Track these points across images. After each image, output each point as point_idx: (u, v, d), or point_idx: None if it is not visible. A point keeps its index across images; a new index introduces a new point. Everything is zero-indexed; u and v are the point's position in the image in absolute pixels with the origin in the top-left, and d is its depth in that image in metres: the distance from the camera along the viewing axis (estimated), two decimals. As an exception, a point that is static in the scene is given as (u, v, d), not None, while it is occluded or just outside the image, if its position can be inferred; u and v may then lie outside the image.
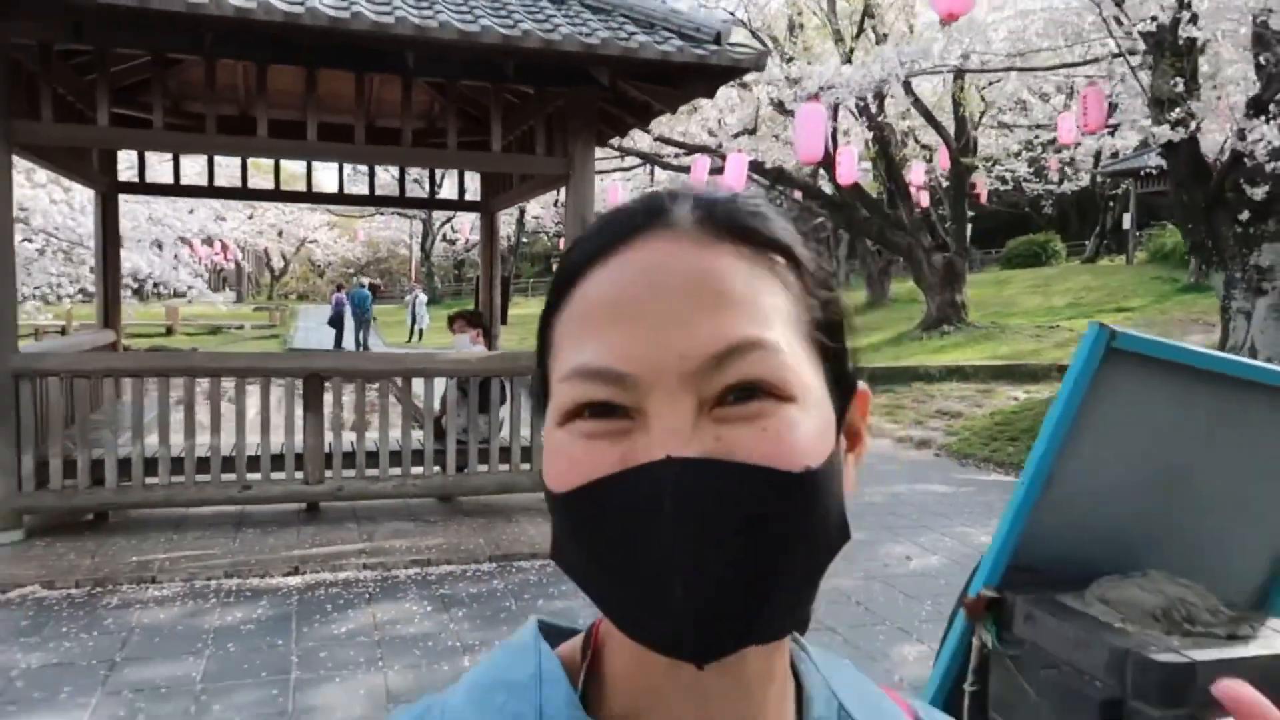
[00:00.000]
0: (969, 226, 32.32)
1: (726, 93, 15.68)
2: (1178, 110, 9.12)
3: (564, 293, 0.50)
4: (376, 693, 3.89)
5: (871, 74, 10.46)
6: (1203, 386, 1.88)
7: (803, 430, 0.47)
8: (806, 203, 17.77)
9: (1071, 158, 22.99)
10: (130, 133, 6.85)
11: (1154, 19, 8.97)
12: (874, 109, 17.17)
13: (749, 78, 13.99)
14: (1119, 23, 9.37)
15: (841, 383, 0.52)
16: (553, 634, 0.57)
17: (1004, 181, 25.11)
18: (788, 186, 16.79)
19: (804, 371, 0.48)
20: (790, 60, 15.39)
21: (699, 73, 6.08)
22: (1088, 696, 1.70)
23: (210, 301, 22.67)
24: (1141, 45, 9.76)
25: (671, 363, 0.45)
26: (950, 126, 17.76)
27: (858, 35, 15.60)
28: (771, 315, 0.48)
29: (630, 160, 17.41)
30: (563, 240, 34.76)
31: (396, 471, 6.31)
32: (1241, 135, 8.73)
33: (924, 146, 20.47)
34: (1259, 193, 9.31)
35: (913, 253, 17.74)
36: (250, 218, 37.29)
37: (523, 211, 31.50)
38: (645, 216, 0.49)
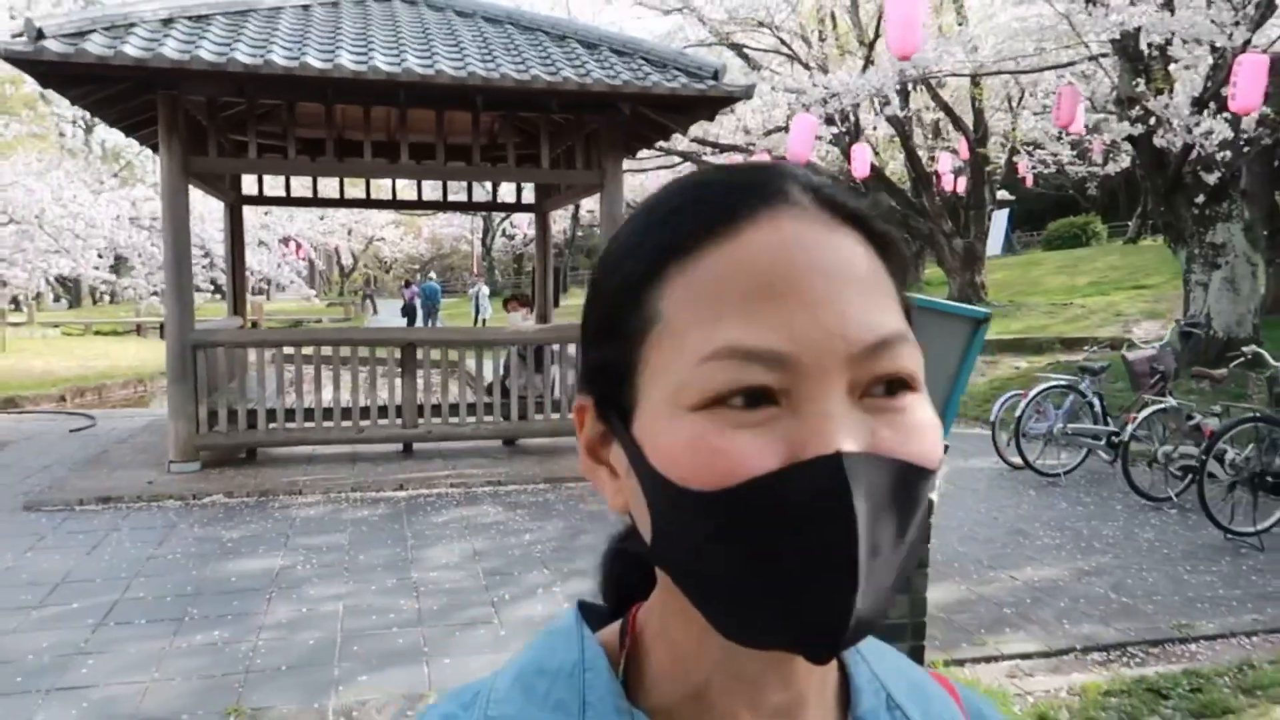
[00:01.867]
0: (1009, 210, 33.25)
1: (758, 98, 17.26)
2: (1137, 108, 10.48)
3: (663, 265, 0.47)
4: (466, 551, 5.67)
5: (870, 82, 11.95)
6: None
7: (934, 423, 0.47)
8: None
9: (1114, 140, 23.90)
10: (272, 161, 8.76)
11: (1120, 26, 10.31)
12: (898, 104, 18.56)
13: (772, 84, 15.57)
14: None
15: None
16: (593, 615, 0.57)
17: (1046, 165, 26.10)
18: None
19: (922, 360, 0.48)
20: (810, 67, 16.90)
21: (701, 103, 7.76)
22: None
23: (287, 298, 24.94)
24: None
25: (833, 345, 0.44)
26: (969, 119, 19.01)
27: (873, 43, 17.01)
28: (895, 302, 0.48)
29: (673, 159, 19.05)
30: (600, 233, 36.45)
31: (472, 419, 8.13)
32: (1189, 130, 10.05)
33: (955, 136, 21.66)
34: (1212, 179, 10.61)
35: (934, 238, 19.09)
36: (321, 218, 39.64)
37: (578, 208, 33.36)
38: (761, 191, 0.47)
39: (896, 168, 23.61)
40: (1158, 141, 10.31)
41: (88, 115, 10.65)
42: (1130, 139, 10.81)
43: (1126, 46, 10.71)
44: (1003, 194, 32.16)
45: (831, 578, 0.43)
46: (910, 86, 17.43)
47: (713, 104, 7.89)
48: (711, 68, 7.68)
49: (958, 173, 20.29)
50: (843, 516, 0.42)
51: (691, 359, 0.45)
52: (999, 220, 32.90)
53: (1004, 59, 12.78)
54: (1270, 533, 5.97)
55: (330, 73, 6.71)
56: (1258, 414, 6.16)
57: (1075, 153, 26.82)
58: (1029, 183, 24.79)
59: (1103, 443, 7.68)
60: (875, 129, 20.33)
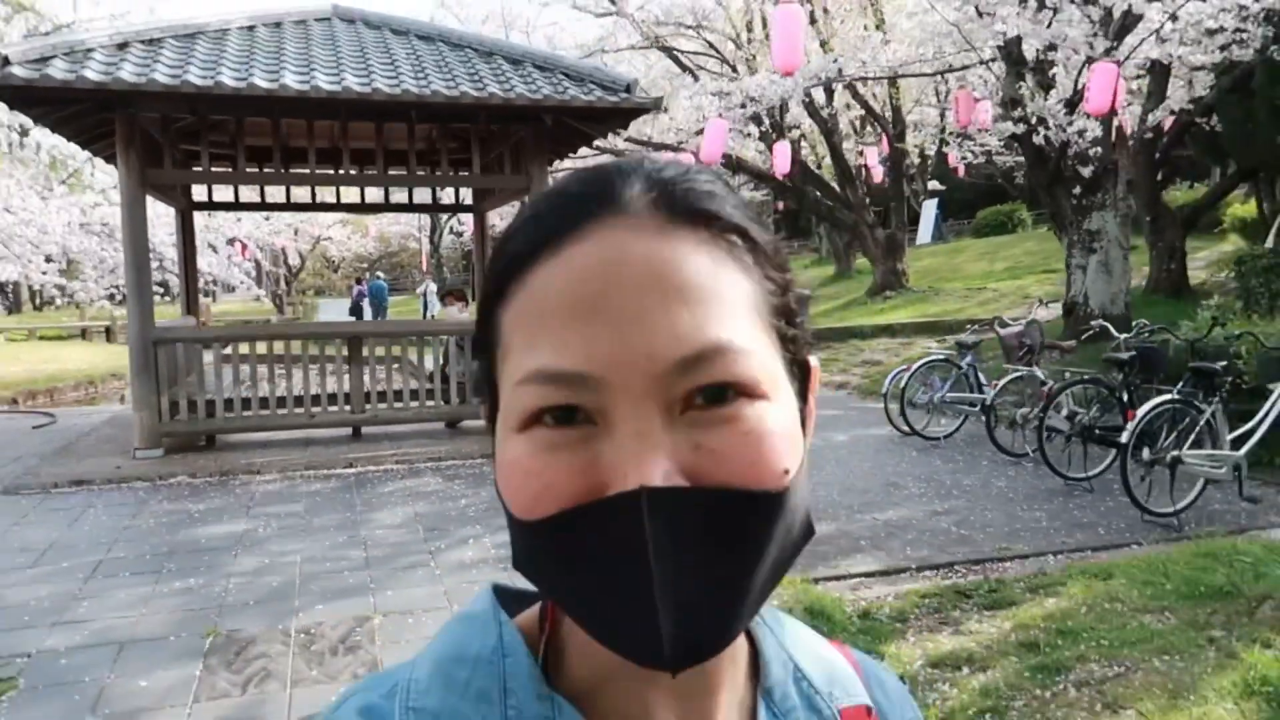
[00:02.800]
0: (939, 199, 34.58)
1: (688, 98, 18.20)
2: (1018, 110, 11.57)
3: (508, 282, 0.48)
4: (408, 514, 6.48)
5: (783, 86, 12.91)
6: None
7: (780, 428, 0.46)
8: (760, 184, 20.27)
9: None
10: (222, 172, 9.42)
11: (1003, 35, 11.36)
12: (824, 101, 19.64)
13: (701, 87, 16.48)
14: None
15: (798, 364, 0.51)
16: (509, 598, 0.56)
17: (975, 155, 27.42)
18: (744, 174, 19.27)
19: (770, 365, 0.47)
20: (736, 69, 17.85)
21: (615, 114, 8.63)
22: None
23: (235, 299, 25.34)
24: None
25: (638, 364, 0.43)
26: (889, 115, 20.14)
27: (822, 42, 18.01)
28: (737, 307, 0.46)
29: (608, 157, 19.90)
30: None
31: (415, 404, 8.92)
32: (1062, 129, 11.16)
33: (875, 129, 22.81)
34: (1088, 171, 11.75)
35: (859, 229, 20.20)
36: (267, 218, 39.82)
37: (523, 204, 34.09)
38: (596, 201, 0.47)
39: (828, 163, 24.76)
40: (1036, 140, 11.40)
41: (23, 121, 11.13)
42: (1014, 137, 11.90)
43: (1011, 52, 11.78)
44: (934, 184, 33.59)
45: (650, 608, 0.43)
46: (833, 85, 18.50)
47: (626, 114, 8.77)
48: (624, 82, 8.55)
49: (885, 164, 21.44)
50: (639, 554, 0.42)
51: (513, 380, 0.46)
52: (929, 209, 34.31)
53: (909, 62, 13.82)
54: (1101, 477, 7.01)
55: (276, 92, 7.44)
56: (1085, 376, 7.21)
57: (1002, 143, 28.28)
58: (960, 172, 26.08)
59: (976, 409, 8.71)
60: (805, 126, 21.43)
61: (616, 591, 0.44)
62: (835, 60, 13.07)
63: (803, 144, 22.07)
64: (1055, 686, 3.59)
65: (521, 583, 0.54)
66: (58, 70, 7.10)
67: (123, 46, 7.73)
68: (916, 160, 26.92)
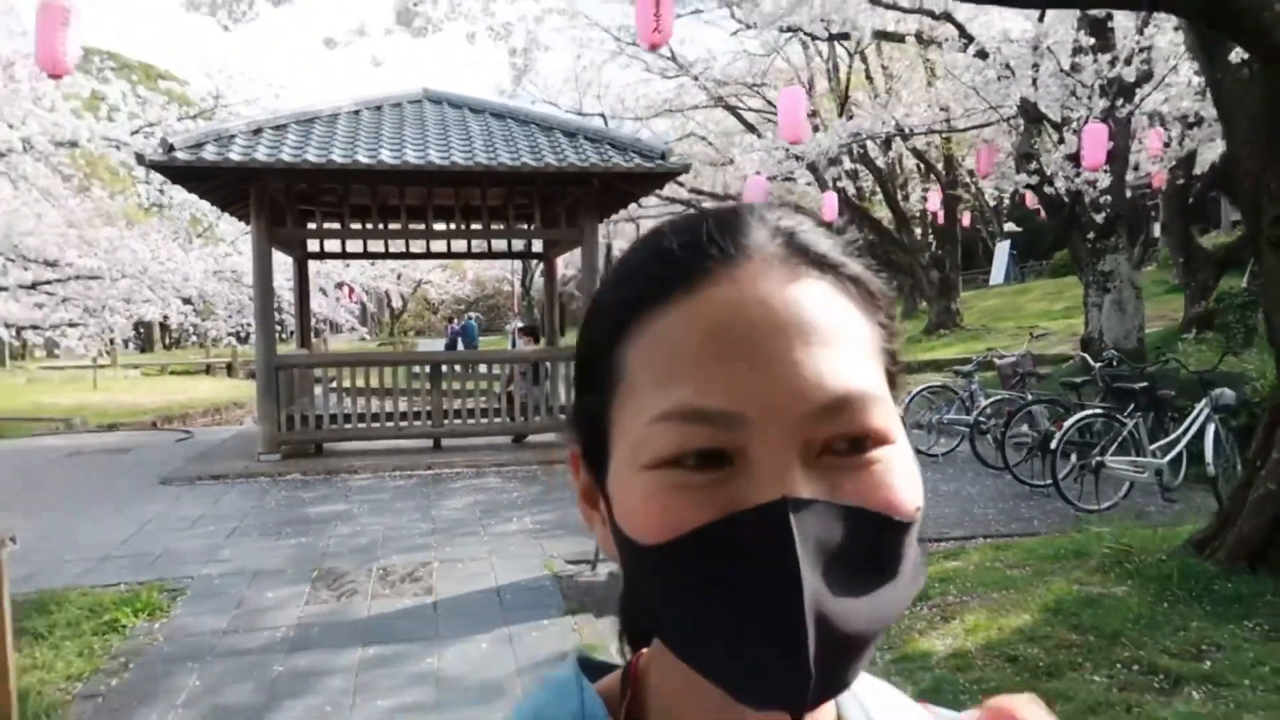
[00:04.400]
0: (1010, 241, 35.06)
1: (753, 153, 19.79)
2: (1032, 163, 12.72)
3: (631, 319, 0.48)
4: (469, 502, 8.08)
5: (820, 144, 14.34)
6: None
7: (908, 473, 0.47)
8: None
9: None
10: (331, 229, 11.37)
11: (1006, 96, 12.58)
12: (878, 154, 20.91)
13: (762, 142, 18.02)
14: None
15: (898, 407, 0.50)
16: (591, 668, 0.56)
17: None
18: (800, 222, 20.68)
19: (896, 414, 0.48)
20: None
21: (652, 177, 10.24)
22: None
23: (343, 338, 27.91)
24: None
25: (783, 403, 0.44)
26: (941, 164, 21.28)
27: (844, 103, 19.41)
28: (867, 351, 0.48)
29: (675, 205, 21.57)
30: (594, 282, 39.14)
31: (485, 420, 10.59)
32: (1070, 180, 12.25)
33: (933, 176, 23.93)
34: (1100, 218, 12.75)
35: (913, 270, 21.29)
36: (372, 264, 42.92)
37: (609, 247, 36.11)
38: (725, 244, 0.47)
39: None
40: (1047, 190, 12.52)
41: (164, 181, 13.32)
42: (1030, 187, 13.02)
43: (1028, 110, 12.95)
44: (1010, 225, 34.20)
45: (785, 628, 0.41)
46: (890, 138, 19.79)
47: (661, 178, 10.37)
48: (660, 150, 10.15)
49: (951, 205, 22.53)
50: (787, 561, 0.41)
51: (646, 418, 0.46)
52: (1002, 250, 34.85)
53: (938, 120, 15.10)
54: (1062, 483, 8.13)
55: (374, 166, 9.30)
56: (1042, 397, 8.36)
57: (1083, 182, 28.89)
58: (1043, 214, 26.87)
59: (969, 430, 9.87)
60: (864, 174, 22.71)
61: (757, 615, 0.42)
62: (853, 121, 14.42)
63: (859, 191, 23.33)
64: (912, 609, 4.89)
65: (603, 654, 0.59)
66: (209, 153, 9.09)
67: (257, 132, 9.72)
68: (992, 203, 27.79)
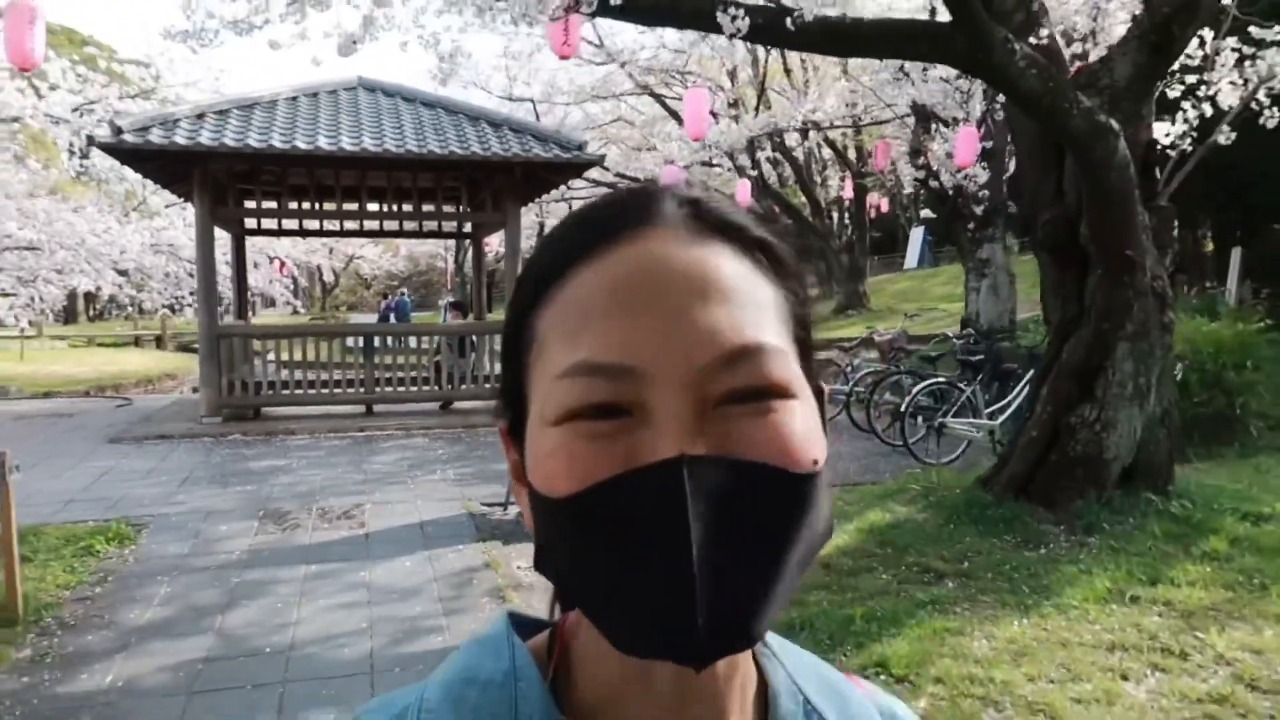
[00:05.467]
0: (925, 226, 36.80)
1: (676, 140, 20.83)
2: (921, 158, 14.01)
3: (544, 289, 0.50)
4: (398, 458, 9.03)
5: (731, 135, 15.45)
6: None
7: (808, 423, 0.48)
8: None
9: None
10: (270, 208, 12.09)
11: (897, 98, 13.81)
12: (797, 143, 22.12)
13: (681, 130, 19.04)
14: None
15: (812, 379, 0.51)
16: (522, 625, 0.57)
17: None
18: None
19: (796, 368, 0.49)
20: (716, 115, 20.44)
21: (569, 167, 11.21)
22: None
23: (275, 312, 28.27)
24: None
25: (679, 357, 0.45)
26: (852, 154, 22.60)
27: (760, 95, 20.56)
28: (769, 312, 0.49)
29: (600, 189, 22.54)
30: (518, 263, 40.13)
31: (415, 388, 11.50)
32: (953, 175, 13.57)
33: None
34: (979, 210, 14.12)
35: (825, 254, 22.62)
36: (304, 239, 42.95)
37: (542, 225, 36.93)
38: (634, 212, 0.49)
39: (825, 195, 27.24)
40: (933, 184, 13.83)
41: (84, 148, 13.80)
42: (919, 181, 14.33)
43: (919, 110, 14.22)
44: (926, 212, 35.90)
45: (676, 581, 0.43)
46: (807, 129, 21.01)
47: (578, 167, 11.35)
48: (576, 142, 11.13)
49: (861, 193, 23.87)
50: (678, 518, 0.42)
51: (552, 374, 0.47)
52: (916, 236, 36.60)
53: (841, 117, 16.34)
54: (912, 443, 9.39)
55: (312, 151, 10.10)
56: (904, 369, 9.63)
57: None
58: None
59: (846, 398, 11.13)
60: (780, 163, 23.93)
61: (651, 568, 0.43)
62: (773, 118, 15.58)
63: (780, 178, 24.55)
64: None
65: (533, 611, 0.59)
66: (155, 136, 9.79)
67: (200, 116, 10.43)
68: (909, 190, 29.28)
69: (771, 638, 0.57)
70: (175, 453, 9.30)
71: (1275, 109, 6.63)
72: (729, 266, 0.48)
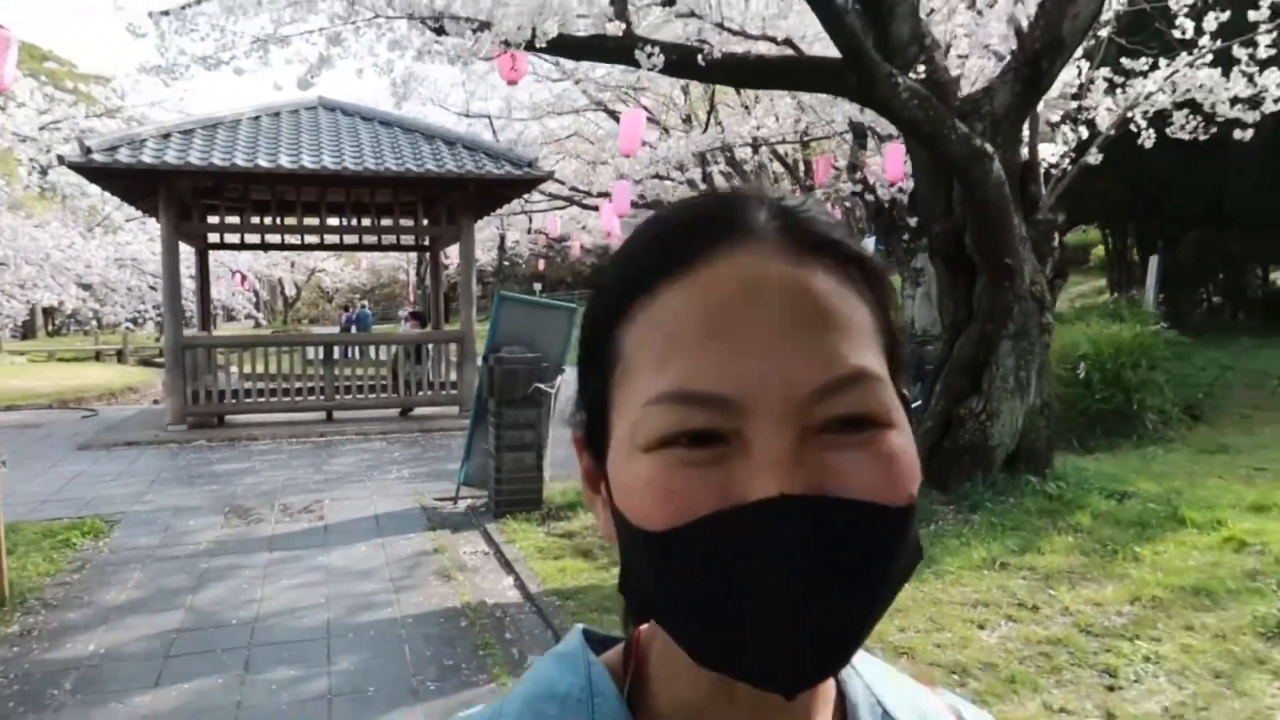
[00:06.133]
0: (875, 239, 37.82)
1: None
2: (859, 173, 14.76)
3: (630, 301, 0.48)
4: (357, 460, 9.53)
5: (678, 149, 16.12)
6: (531, 308, 7.48)
7: (906, 453, 0.47)
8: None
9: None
10: (233, 223, 12.53)
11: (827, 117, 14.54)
12: (749, 155, 22.88)
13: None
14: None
15: (899, 391, 0.50)
16: (595, 641, 0.58)
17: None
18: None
19: (894, 395, 0.48)
20: (667, 130, 21.15)
21: (521, 183, 11.80)
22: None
23: (240, 326, 28.53)
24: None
25: (778, 387, 0.44)
26: (801, 168, 23.40)
27: (710, 111, 21.30)
28: (867, 335, 0.47)
29: (558, 201, 23.15)
30: (542, 264, 40.76)
31: (374, 395, 11.99)
32: (886, 188, 14.32)
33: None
34: (913, 221, 14.89)
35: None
36: (265, 252, 43.10)
37: (503, 238, 37.42)
38: (724, 224, 0.48)
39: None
40: (868, 197, 14.59)
41: (46, 164, 14.14)
42: (856, 194, 15.08)
43: (855, 127, 14.98)
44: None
45: (772, 619, 0.43)
46: (754, 143, 21.78)
47: (529, 183, 11.94)
48: (527, 159, 11.71)
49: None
50: (777, 558, 0.43)
51: (642, 400, 0.46)
52: (867, 246, 37.58)
53: (785, 133, 17.08)
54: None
55: (274, 169, 10.59)
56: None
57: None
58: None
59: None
60: (731, 177, 24.66)
61: (747, 600, 0.43)
62: (722, 133, 16.27)
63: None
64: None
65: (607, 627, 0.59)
66: (123, 155, 10.23)
67: (165, 136, 10.87)
68: (848, 205, 30.11)
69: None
70: (143, 457, 9.73)
71: (1151, 130, 7.38)
72: (827, 286, 0.47)
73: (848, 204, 23.00)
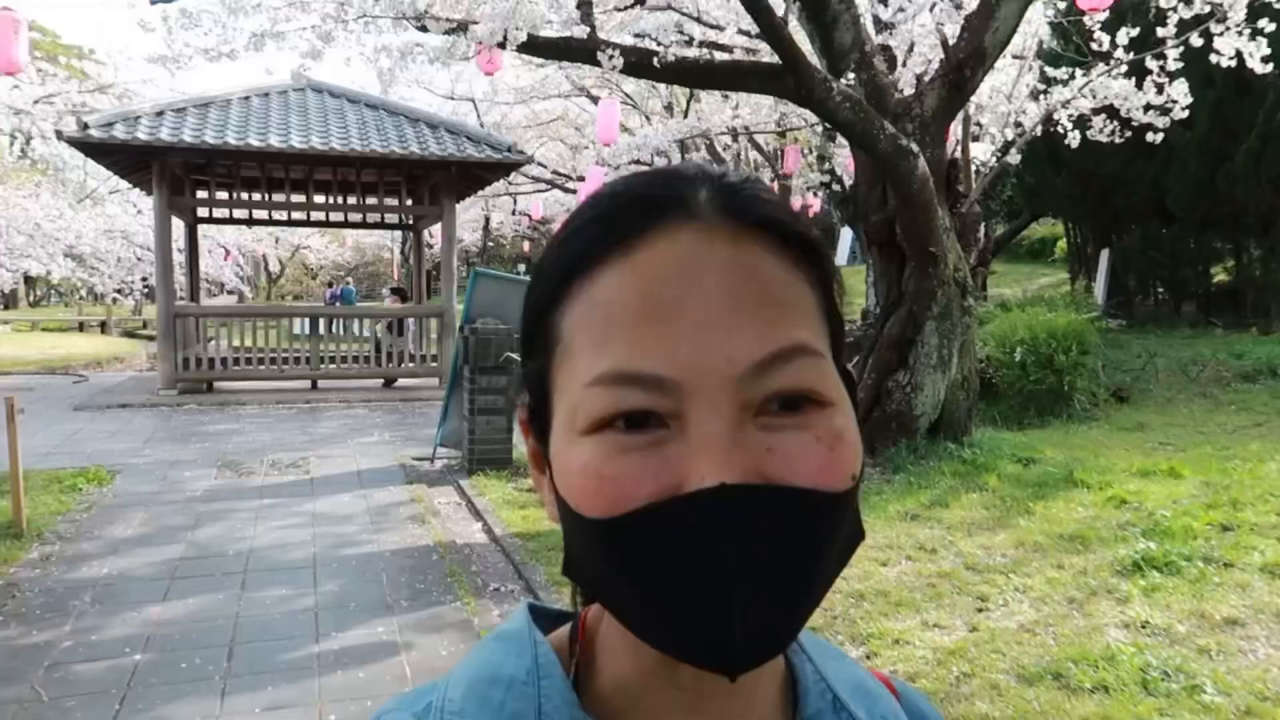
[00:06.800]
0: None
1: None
2: (826, 164, 15.43)
3: (569, 283, 0.48)
4: (340, 423, 10.15)
5: (653, 137, 16.72)
6: (504, 283, 8.12)
7: (847, 434, 0.47)
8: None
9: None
10: (223, 199, 13.07)
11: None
12: (728, 144, 23.50)
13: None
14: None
15: (842, 371, 0.50)
16: (542, 616, 0.57)
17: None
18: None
19: (834, 371, 0.48)
20: (649, 116, 21.72)
21: (500, 166, 12.39)
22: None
23: (223, 300, 28.99)
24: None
25: (716, 366, 0.44)
26: (778, 157, 24.03)
27: (690, 98, 21.88)
28: (807, 313, 0.47)
29: (541, 185, 23.70)
30: (526, 245, 41.26)
31: (357, 365, 12.59)
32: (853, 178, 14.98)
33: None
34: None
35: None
36: (245, 225, 43.36)
37: (487, 219, 37.90)
38: (665, 204, 0.47)
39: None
40: (835, 187, 15.26)
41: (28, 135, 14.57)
42: (824, 184, 15.76)
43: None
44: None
45: (713, 602, 0.43)
46: (734, 131, 22.40)
47: (509, 167, 12.53)
48: (506, 144, 12.30)
49: (784, 194, 25.39)
50: (716, 546, 0.43)
51: (582, 381, 0.46)
52: (846, 235, 38.36)
53: (764, 122, 17.71)
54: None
55: (263, 148, 11.14)
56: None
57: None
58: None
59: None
60: (711, 164, 25.24)
61: (688, 588, 0.44)
62: (701, 120, 16.89)
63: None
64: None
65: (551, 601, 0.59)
66: (119, 132, 10.75)
67: (160, 114, 11.39)
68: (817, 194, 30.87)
69: (802, 634, 0.54)
70: (137, 418, 10.31)
71: (1076, 131, 8.07)
72: (767, 264, 0.47)
73: (816, 192, 23.79)
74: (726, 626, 0.44)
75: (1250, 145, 12.29)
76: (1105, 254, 15.73)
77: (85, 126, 10.58)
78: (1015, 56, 7.52)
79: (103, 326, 34.08)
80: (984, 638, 4.19)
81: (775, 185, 24.57)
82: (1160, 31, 7.17)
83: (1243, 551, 5.04)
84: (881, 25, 9.13)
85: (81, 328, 34.87)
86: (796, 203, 26.32)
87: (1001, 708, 3.56)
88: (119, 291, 21.34)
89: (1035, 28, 7.32)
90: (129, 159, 11.61)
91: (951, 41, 6.74)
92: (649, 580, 0.45)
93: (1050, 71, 7.49)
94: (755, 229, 0.47)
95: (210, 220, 14.87)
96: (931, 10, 7.32)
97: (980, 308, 14.14)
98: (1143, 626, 4.26)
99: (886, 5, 8.36)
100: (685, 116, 20.27)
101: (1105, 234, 16.75)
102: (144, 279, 22.15)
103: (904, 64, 8.14)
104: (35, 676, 3.85)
